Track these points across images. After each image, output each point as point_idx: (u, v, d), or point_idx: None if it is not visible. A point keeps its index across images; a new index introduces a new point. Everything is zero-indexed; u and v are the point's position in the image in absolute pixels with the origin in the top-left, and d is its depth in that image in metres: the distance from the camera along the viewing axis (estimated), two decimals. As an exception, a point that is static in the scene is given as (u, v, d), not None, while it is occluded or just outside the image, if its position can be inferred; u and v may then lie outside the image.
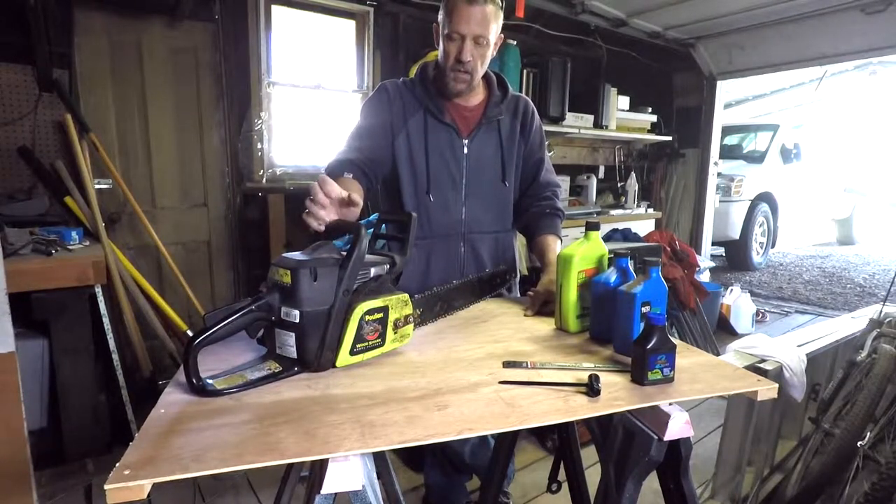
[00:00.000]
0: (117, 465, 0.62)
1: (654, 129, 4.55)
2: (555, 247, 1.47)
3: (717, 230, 5.17)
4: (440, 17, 1.38)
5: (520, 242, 1.75)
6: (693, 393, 0.87)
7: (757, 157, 6.19)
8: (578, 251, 1.13)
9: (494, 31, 1.36)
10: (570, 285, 1.13)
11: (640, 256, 1.06)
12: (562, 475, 1.31)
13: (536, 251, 1.51)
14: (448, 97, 1.45)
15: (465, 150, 1.46)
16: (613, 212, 4.09)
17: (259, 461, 0.65)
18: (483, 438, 1.64)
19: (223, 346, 0.93)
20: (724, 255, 6.26)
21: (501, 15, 1.37)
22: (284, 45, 3.11)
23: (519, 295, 1.63)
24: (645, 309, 0.98)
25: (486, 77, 1.50)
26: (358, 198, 1.00)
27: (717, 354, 1.42)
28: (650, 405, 0.85)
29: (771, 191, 6.05)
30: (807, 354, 1.77)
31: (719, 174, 4.94)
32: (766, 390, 0.88)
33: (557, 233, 1.53)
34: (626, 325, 0.99)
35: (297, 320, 0.87)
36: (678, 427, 0.84)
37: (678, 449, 0.90)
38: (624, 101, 4.20)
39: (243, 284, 3.11)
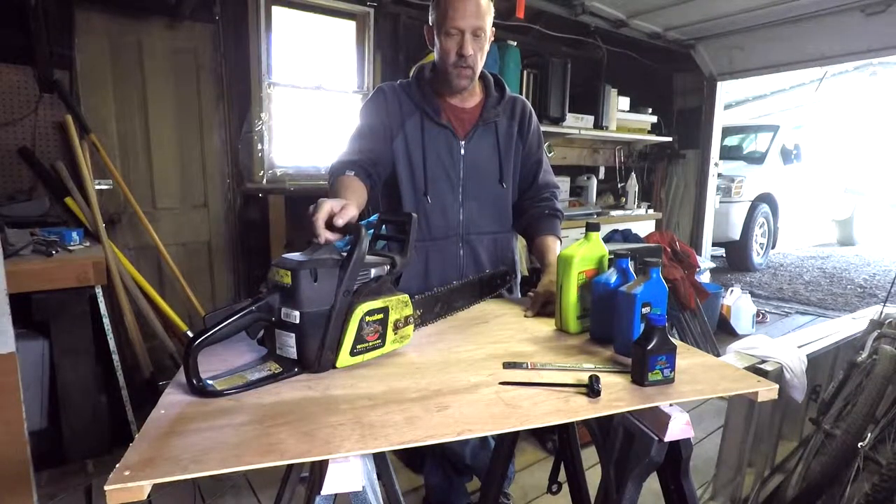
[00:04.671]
0: (117, 465, 0.62)
1: (655, 129, 4.54)
2: (555, 248, 1.47)
3: (718, 231, 5.17)
4: (432, 16, 1.38)
5: (520, 243, 1.75)
6: (693, 394, 0.87)
7: (757, 158, 6.19)
8: (579, 252, 1.13)
9: (489, 23, 1.37)
10: (570, 286, 1.13)
11: (641, 257, 1.06)
12: (562, 476, 1.31)
13: (536, 252, 1.51)
14: (448, 95, 1.45)
15: (462, 152, 1.46)
16: (614, 213, 4.09)
17: (259, 462, 0.65)
18: (484, 439, 1.64)
19: (223, 347, 0.93)
20: (724, 255, 6.26)
21: (493, 7, 1.38)
22: (285, 45, 3.11)
23: (519, 296, 1.63)
24: (645, 310, 0.98)
25: (483, 78, 1.51)
26: (350, 212, 0.97)
27: (718, 355, 1.42)
28: (650, 406, 0.85)
29: (771, 191, 6.05)
30: (807, 355, 1.77)
31: (719, 175, 4.94)
32: (767, 391, 0.88)
33: (557, 234, 1.53)
34: (627, 326, 0.99)
35: (298, 321, 0.87)
36: (678, 428, 0.84)
37: (678, 450, 0.90)
38: (624, 102, 4.20)
39: (244, 285, 3.11)
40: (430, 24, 1.41)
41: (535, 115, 1.58)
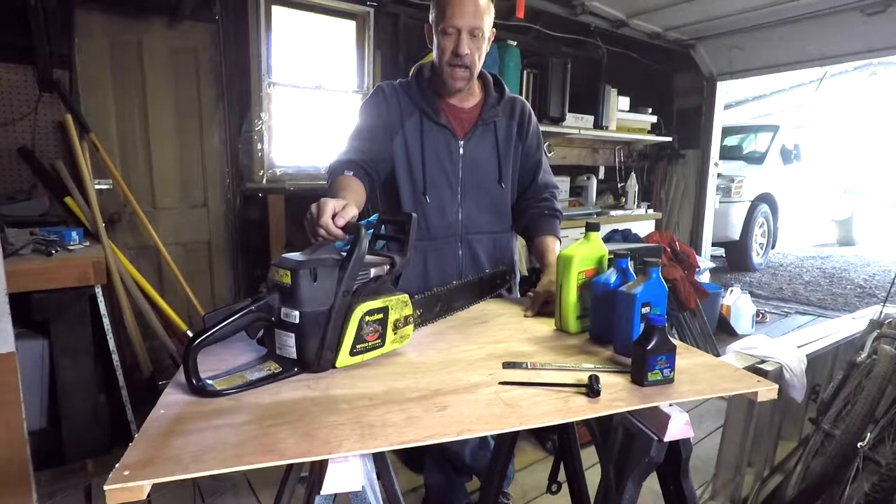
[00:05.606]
0: (117, 465, 0.62)
1: (655, 129, 4.54)
2: (554, 248, 1.47)
3: (717, 231, 5.17)
4: (432, 15, 1.38)
5: (520, 243, 1.75)
6: (693, 394, 0.87)
7: (757, 158, 6.19)
8: (578, 252, 1.13)
9: (488, 24, 1.36)
10: (569, 286, 1.13)
11: (640, 257, 1.06)
12: (562, 476, 1.31)
13: (536, 253, 1.51)
14: (447, 95, 1.45)
15: (461, 152, 1.46)
16: (613, 212, 4.08)
17: (259, 462, 0.65)
18: (483, 439, 1.64)
19: (223, 347, 0.93)
20: (724, 255, 6.26)
21: (493, 7, 1.38)
22: (284, 45, 3.11)
23: (519, 296, 1.63)
24: (645, 310, 0.98)
25: (482, 78, 1.50)
26: (350, 212, 0.99)
27: (717, 355, 1.42)
28: (650, 406, 0.85)
29: (771, 191, 6.05)
30: (807, 355, 1.77)
31: (719, 175, 4.94)
32: (766, 391, 0.88)
33: (556, 234, 1.53)
34: (626, 326, 0.99)
35: (297, 321, 0.87)
36: (678, 428, 0.84)
37: (678, 450, 0.90)
38: (624, 102, 4.20)
39: (243, 285, 3.11)
40: (430, 22, 1.40)
41: (534, 115, 1.58)
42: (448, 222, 1.48)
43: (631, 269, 1.09)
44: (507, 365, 0.97)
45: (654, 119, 4.46)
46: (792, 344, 1.83)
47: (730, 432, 1.79)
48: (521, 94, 3.40)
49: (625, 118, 4.22)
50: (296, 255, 0.91)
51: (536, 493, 2.00)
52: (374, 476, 0.84)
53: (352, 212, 0.99)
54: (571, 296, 1.14)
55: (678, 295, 3.19)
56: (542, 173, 1.59)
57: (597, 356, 1.03)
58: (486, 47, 1.39)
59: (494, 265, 1.53)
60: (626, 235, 3.50)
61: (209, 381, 0.82)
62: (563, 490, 1.32)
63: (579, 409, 0.81)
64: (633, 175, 4.45)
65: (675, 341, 0.93)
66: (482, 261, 1.52)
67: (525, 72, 3.45)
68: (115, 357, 2.19)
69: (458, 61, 1.35)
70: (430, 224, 1.47)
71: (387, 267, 1.00)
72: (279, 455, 0.66)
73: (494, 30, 1.42)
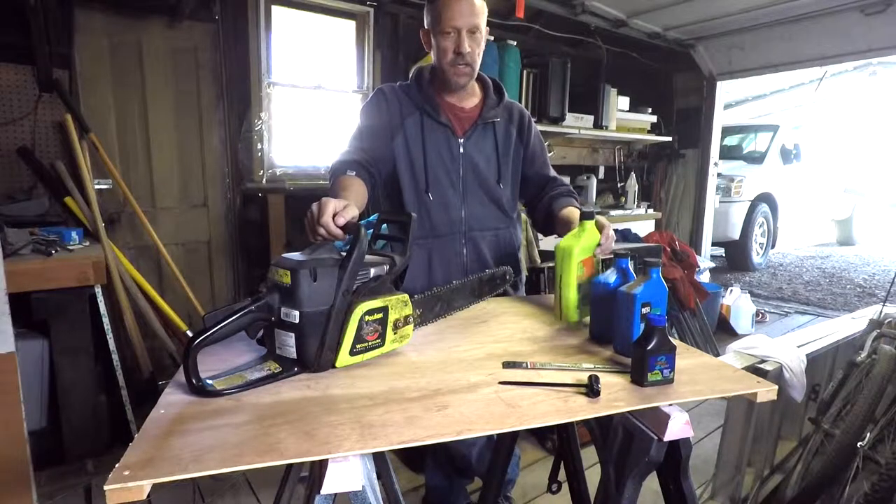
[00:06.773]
0: (117, 465, 0.62)
1: (654, 129, 4.55)
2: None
3: (717, 231, 5.17)
4: (428, 18, 1.40)
5: (522, 243, 1.75)
6: (692, 394, 0.87)
7: (757, 158, 6.19)
8: (577, 242, 1.14)
9: (484, 22, 1.40)
10: (570, 277, 1.14)
11: (641, 257, 1.06)
12: (562, 475, 1.31)
13: (563, 224, 1.44)
14: (448, 94, 1.47)
15: (462, 150, 1.47)
16: (613, 212, 4.09)
17: (259, 462, 0.65)
18: (490, 440, 1.64)
19: (223, 347, 0.93)
20: (723, 255, 6.26)
21: (486, 7, 1.40)
22: (284, 45, 3.11)
23: (524, 294, 1.64)
24: (645, 310, 0.98)
25: (482, 80, 1.52)
26: (351, 212, 1.00)
27: (717, 355, 1.42)
28: (650, 406, 0.85)
29: (771, 191, 6.05)
30: (807, 355, 1.77)
31: (719, 175, 4.94)
32: (766, 392, 0.88)
33: (578, 206, 1.52)
34: (626, 326, 0.99)
35: (297, 321, 0.87)
36: (678, 427, 0.84)
37: (678, 449, 0.90)
38: (624, 102, 4.20)
39: (243, 285, 3.11)
40: (426, 26, 1.42)
41: (534, 122, 1.60)
42: (451, 219, 1.49)
43: (631, 269, 1.09)
44: (507, 365, 0.97)
45: (653, 119, 4.46)
46: (792, 344, 1.83)
47: (730, 432, 1.79)
48: (520, 94, 3.41)
49: (625, 118, 4.22)
50: (296, 255, 0.91)
51: (537, 493, 2.00)
52: (374, 476, 0.84)
53: (352, 212, 0.99)
54: (572, 286, 1.15)
55: (678, 295, 3.19)
56: (553, 174, 1.61)
57: (597, 356, 1.03)
58: (483, 44, 1.41)
59: (499, 261, 1.54)
60: (626, 235, 3.50)
61: (209, 381, 0.82)
62: (563, 490, 1.32)
63: (579, 409, 0.81)
64: (633, 175, 4.45)
65: (675, 341, 0.93)
66: (486, 257, 1.53)
67: (525, 72, 3.45)
68: (115, 357, 2.18)
69: (460, 60, 1.38)
70: (433, 221, 1.47)
71: (387, 267, 1.00)
72: (279, 455, 0.66)
73: (488, 27, 1.44)
